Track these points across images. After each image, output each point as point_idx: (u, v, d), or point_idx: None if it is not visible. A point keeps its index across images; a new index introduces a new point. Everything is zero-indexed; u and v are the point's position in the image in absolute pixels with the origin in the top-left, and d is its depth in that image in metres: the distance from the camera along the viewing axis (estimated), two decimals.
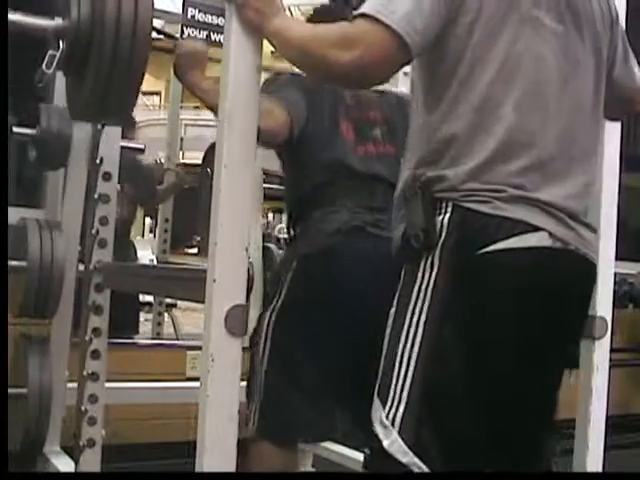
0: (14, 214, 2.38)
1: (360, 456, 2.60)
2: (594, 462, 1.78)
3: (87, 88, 1.56)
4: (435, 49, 1.39)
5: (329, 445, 2.75)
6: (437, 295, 1.36)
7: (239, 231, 1.42)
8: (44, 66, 1.52)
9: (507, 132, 1.38)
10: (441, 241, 1.36)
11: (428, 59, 1.42)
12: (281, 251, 3.77)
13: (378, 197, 2.00)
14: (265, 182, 3.79)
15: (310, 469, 2.90)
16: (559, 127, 1.42)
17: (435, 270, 1.36)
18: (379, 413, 1.38)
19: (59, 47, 1.53)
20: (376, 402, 1.40)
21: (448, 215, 1.37)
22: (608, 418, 1.76)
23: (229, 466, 1.40)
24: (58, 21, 1.55)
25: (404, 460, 1.33)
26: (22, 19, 1.58)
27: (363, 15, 1.33)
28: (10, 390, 2.32)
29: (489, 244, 1.34)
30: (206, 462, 1.38)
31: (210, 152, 4.10)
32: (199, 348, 1.44)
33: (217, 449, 1.38)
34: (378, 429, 1.37)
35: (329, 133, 2.01)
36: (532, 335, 1.39)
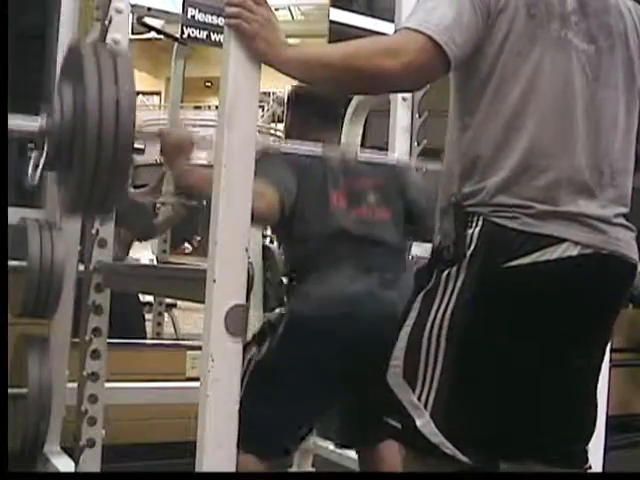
0: (14, 214, 2.38)
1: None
2: (594, 462, 1.78)
3: (73, 186, 1.59)
4: (469, 65, 1.46)
5: (329, 445, 2.75)
6: (462, 299, 1.43)
7: (239, 231, 1.42)
8: (30, 169, 1.56)
9: (532, 147, 1.43)
10: (469, 252, 1.43)
11: (462, 74, 1.49)
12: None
13: (375, 259, 2.02)
14: None
15: (310, 469, 2.90)
16: (588, 145, 1.46)
17: (462, 277, 1.44)
18: (408, 395, 1.46)
19: (44, 147, 1.57)
20: (402, 386, 1.47)
21: (478, 229, 1.43)
22: (608, 418, 1.76)
23: (229, 466, 1.40)
24: (42, 121, 1.59)
25: (435, 440, 1.42)
26: (10, 122, 1.64)
27: (406, 28, 1.42)
28: (10, 390, 2.32)
29: (515, 258, 1.40)
30: (206, 462, 1.38)
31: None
32: (199, 348, 1.44)
33: (217, 449, 1.39)
34: (410, 408, 1.45)
35: (320, 205, 2.03)
36: (552, 338, 1.45)
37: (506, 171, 1.42)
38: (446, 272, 1.45)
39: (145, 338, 4.10)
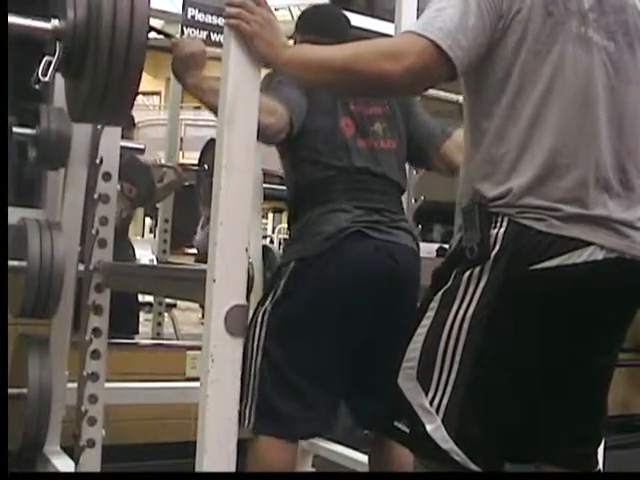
0: (14, 214, 2.38)
1: (360, 456, 2.61)
2: None
3: (85, 89, 1.56)
4: (482, 68, 1.44)
5: (329, 445, 2.75)
6: (484, 301, 1.41)
7: (239, 231, 1.42)
8: (40, 72, 1.53)
9: (557, 146, 1.42)
10: (494, 253, 1.41)
11: (475, 78, 1.48)
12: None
13: (376, 196, 2.01)
14: (265, 182, 3.79)
15: (310, 469, 2.90)
16: (611, 143, 1.46)
17: (485, 279, 1.41)
18: (420, 399, 1.43)
19: (56, 50, 1.53)
20: (414, 389, 1.45)
21: (503, 229, 1.41)
22: (608, 418, 1.76)
23: (229, 466, 1.40)
24: (55, 22, 1.55)
25: (444, 446, 1.40)
26: (19, 21, 1.59)
27: (410, 32, 1.41)
28: (10, 390, 2.32)
29: (541, 261, 1.39)
30: (206, 462, 1.38)
31: (207, 149, 4.09)
32: (199, 348, 1.44)
33: (217, 449, 1.39)
34: (420, 413, 1.43)
35: (329, 128, 2.01)
36: (574, 342, 1.44)
37: (532, 172, 1.41)
38: (468, 273, 1.43)
39: (137, 333, 4.11)
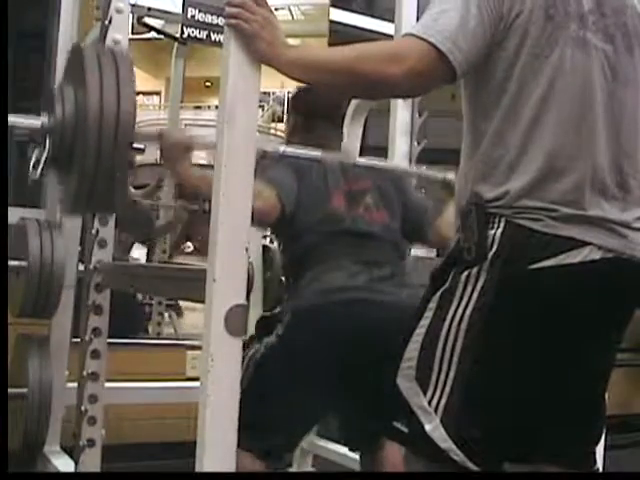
0: (14, 214, 2.38)
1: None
2: None
3: (74, 183, 1.60)
4: (482, 70, 1.45)
5: (329, 445, 2.75)
6: (482, 301, 1.41)
7: (239, 231, 1.42)
8: (31, 168, 1.57)
9: (555, 149, 1.42)
10: (491, 253, 1.41)
11: (475, 80, 1.48)
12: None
13: (373, 252, 2.02)
14: None
15: (310, 469, 2.90)
16: (609, 145, 1.46)
17: (482, 279, 1.42)
18: (418, 399, 1.44)
19: (45, 145, 1.57)
20: (413, 389, 1.45)
21: (500, 230, 1.42)
22: (608, 418, 1.76)
23: (229, 466, 1.40)
24: (44, 119, 1.61)
25: (443, 446, 1.40)
26: (12, 120, 1.65)
27: (410, 35, 1.41)
28: (10, 390, 2.32)
29: (538, 260, 1.39)
30: (206, 462, 1.38)
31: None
32: (199, 348, 1.44)
33: (217, 449, 1.39)
34: (419, 413, 1.43)
35: (321, 204, 2.04)
36: (572, 341, 1.44)
37: (530, 175, 1.41)
38: (466, 273, 1.43)
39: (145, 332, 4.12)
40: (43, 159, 1.58)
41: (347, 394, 2.01)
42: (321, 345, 1.92)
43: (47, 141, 1.60)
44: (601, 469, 1.79)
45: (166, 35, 4.19)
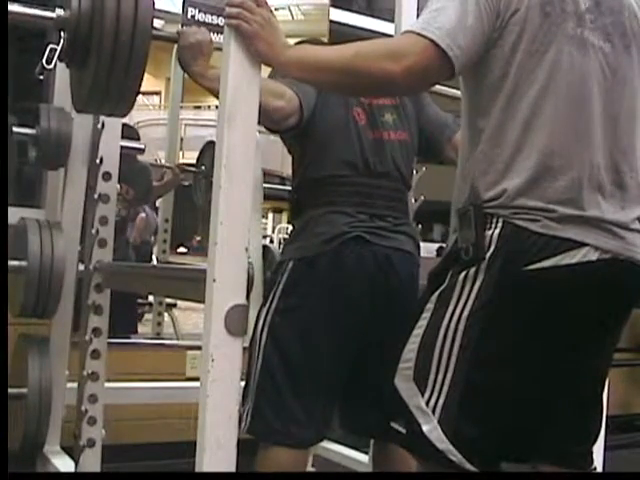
0: (14, 214, 2.38)
1: (360, 456, 2.61)
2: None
3: (89, 78, 1.56)
4: (480, 67, 1.45)
5: (329, 445, 2.75)
6: (480, 302, 1.42)
7: (239, 231, 1.42)
8: (44, 60, 1.53)
9: (551, 147, 1.43)
10: (489, 254, 1.42)
11: (473, 77, 1.49)
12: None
13: (380, 201, 1.99)
14: (265, 182, 3.79)
15: (310, 469, 2.90)
16: (606, 144, 1.46)
17: (480, 279, 1.42)
18: (416, 400, 1.44)
19: (60, 40, 1.53)
20: (411, 389, 1.45)
21: (498, 230, 1.42)
22: (608, 418, 1.76)
23: (229, 466, 1.40)
24: (59, 12, 1.55)
25: (441, 447, 1.40)
26: (23, 10, 1.58)
27: (410, 32, 1.42)
28: (10, 390, 2.32)
29: (536, 261, 1.39)
30: (206, 462, 1.38)
31: (205, 151, 4.11)
32: (199, 348, 1.44)
33: (217, 449, 1.39)
34: (416, 413, 1.43)
35: (341, 117, 1.98)
36: (569, 342, 1.45)
37: (526, 173, 1.42)
38: (463, 274, 1.44)
39: (136, 333, 4.12)
40: (57, 52, 1.53)
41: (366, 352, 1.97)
42: (326, 296, 1.89)
43: (61, 35, 1.54)
44: (601, 469, 1.79)
45: (164, 39, 4.19)
